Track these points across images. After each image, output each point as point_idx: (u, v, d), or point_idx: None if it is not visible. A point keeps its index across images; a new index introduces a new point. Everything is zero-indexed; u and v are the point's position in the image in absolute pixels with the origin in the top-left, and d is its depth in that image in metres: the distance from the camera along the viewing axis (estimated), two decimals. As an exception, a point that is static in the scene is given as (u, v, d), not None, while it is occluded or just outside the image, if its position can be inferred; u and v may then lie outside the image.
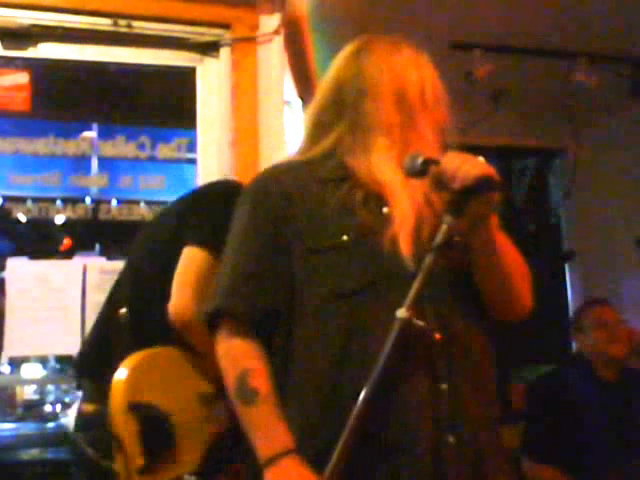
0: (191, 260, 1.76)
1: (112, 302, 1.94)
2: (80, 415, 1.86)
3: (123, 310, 1.85)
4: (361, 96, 1.42)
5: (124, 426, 1.64)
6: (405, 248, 1.27)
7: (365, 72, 1.44)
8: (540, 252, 4.38)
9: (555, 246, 4.62)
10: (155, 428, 1.66)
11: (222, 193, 1.87)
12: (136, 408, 1.65)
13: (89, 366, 1.92)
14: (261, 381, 1.29)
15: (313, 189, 1.38)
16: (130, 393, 1.67)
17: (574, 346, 3.38)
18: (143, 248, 1.99)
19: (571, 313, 4.11)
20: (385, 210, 1.33)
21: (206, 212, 1.82)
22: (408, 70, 1.44)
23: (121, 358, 1.73)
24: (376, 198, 1.34)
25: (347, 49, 1.52)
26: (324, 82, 1.51)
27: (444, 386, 1.25)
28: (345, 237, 1.31)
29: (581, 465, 2.69)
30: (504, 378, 3.82)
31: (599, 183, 4.28)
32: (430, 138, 1.39)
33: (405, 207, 1.31)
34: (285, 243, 1.35)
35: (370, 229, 1.31)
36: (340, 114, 1.44)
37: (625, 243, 4.12)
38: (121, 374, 1.69)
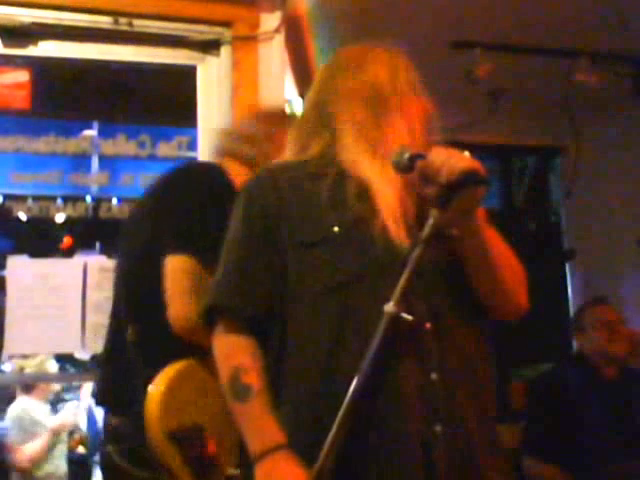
0: (178, 268, 1.72)
1: (115, 319, 1.90)
2: (107, 428, 1.85)
3: (129, 331, 1.81)
4: (337, 104, 1.46)
5: (168, 456, 1.65)
6: (396, 236, 1.30)
7: (339, 81, 1.49)
8: (540, 251, 4.38)
9: (555, 245, 4.62)
10: (196, 450, 1.67)
11: (191, 184, 1.83)
12: (174, 437, 1.65)
13: (109, 398, 1.90)
14: (254, 378, 1.30)
15: (305, 185, 1.41)
16: (164, 423, 1.66)
17: (574, 345, 3.39)
18: (125, 260, 1.94)
19: (571, 313, 4.12)
20: (374, 203, 1.34)
21: (177, 213, 1.79)
22: (380, 71, 1.47)
23: (138, 378, 1.71)
24: (365, 191, 1.36)
25: (325, 64, 1.59)
26: (306, 100, 1.58)
27: (434, 376, 1.26)
28: (336, 228, 1.33)
29: (581, 464, 2.70)
30: (504, 378, 3.81)
31: (599, 182, 4.28)
32: (406, 135, 1.41)
33: (389, 199, 1.33)
34: (279, 239, 1.37)
35: (360, 220, 1.33)
36: (322, 125, 1.48)
37: (625, 243, 4.11)
38: (151, 404, 1.67)
